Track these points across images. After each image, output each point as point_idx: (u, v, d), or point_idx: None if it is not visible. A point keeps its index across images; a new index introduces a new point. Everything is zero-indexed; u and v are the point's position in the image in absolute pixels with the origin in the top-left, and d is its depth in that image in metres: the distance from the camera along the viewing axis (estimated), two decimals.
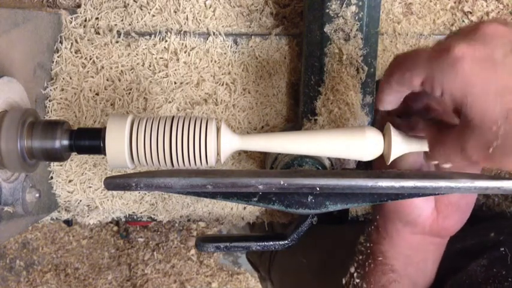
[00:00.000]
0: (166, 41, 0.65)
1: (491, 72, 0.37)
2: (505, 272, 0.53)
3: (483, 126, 0.37)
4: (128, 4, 0.66)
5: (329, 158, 0.60)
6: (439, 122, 0.47)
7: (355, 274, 0.56)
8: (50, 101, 0.64)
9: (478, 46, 0.37)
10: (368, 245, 0.56)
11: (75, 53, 0.65)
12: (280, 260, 0.93)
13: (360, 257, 0.56)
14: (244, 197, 0.46)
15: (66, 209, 0.70)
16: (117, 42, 0.65)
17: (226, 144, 0.47)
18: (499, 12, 0.66)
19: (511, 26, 0.39)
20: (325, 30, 0.58)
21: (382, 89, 0.45)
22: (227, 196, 0.46)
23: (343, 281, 0.58)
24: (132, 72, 0.65)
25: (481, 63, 0.37)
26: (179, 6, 0.66)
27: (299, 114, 0.64)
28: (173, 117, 0.47)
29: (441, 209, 0.51)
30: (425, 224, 0.52)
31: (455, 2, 0.67)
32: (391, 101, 0.45)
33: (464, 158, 0.40)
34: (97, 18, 0.66)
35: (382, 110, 0.47)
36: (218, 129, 0.47)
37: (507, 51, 0.37)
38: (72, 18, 0.66)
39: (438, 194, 0.46)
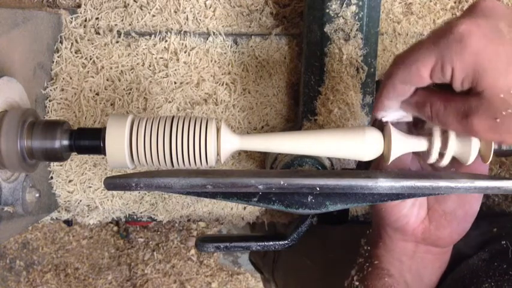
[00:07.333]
0: (166, 41, 0.65)
1: (499, 43, 0.37)
2: (506, 265, 0.53)
3: (494, 96, 0.37)
4: (128, 4, 0.66)
5: (329, 158, 0.60)
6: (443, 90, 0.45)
7: (355, 277, 0.56)
8: (50, 101, 0.64)
9: (481, 20, 0.37)
10: (367, 248, 0.56)
11: (75, 53, 0.65)
12: (283, 261, 0.92)
13: (361, 260, 0.56)
14: (244, 197, 0.46)
15: (66, 209, 0.70)
16: (117, 42, 0.65)
17: (226, 144, 0.47)
18: None
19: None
20: (325, 30, 0.58)
21: (383, 93, 0.43)
22: (227, 196, 0.46)
23: (345, 283, 0.57)
24: (132, 72, 0.65)
25: (487, 35, 0.37)
26: (179, 6, 0.66)
27: (299, 114, 0.64)
28: (173, 117, 0.47)
29: (434, 218, 0.51)
30: (416, 231, 0.51)
31: (455, 2, 0.67)
32: (391, 106, 0.44)
33: (464, 126, 0.40)
34: (97, 18, 0.66)
35: (378, 118, 0.46)
36: (218, 130, 0.47)
37: (510, 21, 0.38)
38: (72, 18, 0.65)
39: (438, 194, 0.46)
